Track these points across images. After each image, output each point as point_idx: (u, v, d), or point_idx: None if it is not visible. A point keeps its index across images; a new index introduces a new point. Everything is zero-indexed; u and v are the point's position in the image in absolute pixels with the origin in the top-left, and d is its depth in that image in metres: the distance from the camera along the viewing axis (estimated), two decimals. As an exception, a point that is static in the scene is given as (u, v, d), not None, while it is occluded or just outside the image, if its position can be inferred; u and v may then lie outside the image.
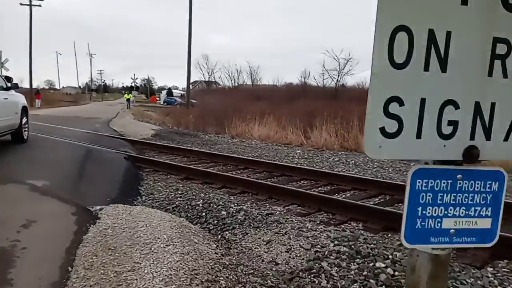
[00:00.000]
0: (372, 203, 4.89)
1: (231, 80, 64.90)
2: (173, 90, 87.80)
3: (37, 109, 31.23)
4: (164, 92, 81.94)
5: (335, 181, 5.94)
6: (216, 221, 4.13)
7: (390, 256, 3.22)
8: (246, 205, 4.48)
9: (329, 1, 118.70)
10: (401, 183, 6.14)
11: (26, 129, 8.84)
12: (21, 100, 9.02)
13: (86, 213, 3.89)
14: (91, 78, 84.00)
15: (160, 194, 5.15)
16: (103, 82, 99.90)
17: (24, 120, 8.64)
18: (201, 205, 4.56)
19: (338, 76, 52.60)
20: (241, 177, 5.78)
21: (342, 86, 53.73)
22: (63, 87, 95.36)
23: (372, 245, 3.42)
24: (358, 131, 13.05)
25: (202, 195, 4.92)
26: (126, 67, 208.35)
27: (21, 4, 34.51)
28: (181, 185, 5.68)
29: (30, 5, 34.56)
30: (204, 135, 15.75)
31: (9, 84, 8.69)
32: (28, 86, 37.50)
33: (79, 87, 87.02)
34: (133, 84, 60.81)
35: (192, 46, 27.77)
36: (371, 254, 3.25)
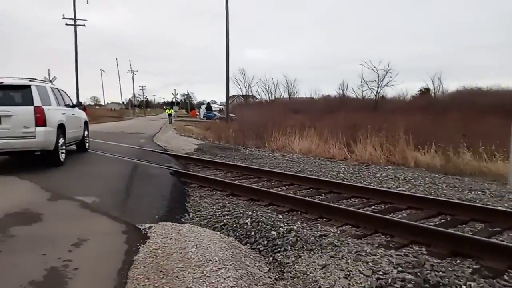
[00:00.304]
0: (432, 224, 4.54)
1: (268, 94, 65.02)
2: (212, 105, 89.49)
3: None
4: (203, 107, 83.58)
5: (389, 199, 5.60)
6: (266, 242, 3.95)
7: (464, 287, 2.90)
8: (297, 225, 4.27)
9: (365, 13, 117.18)
10: (461, 201, 5.71)
11: (87, 140, 10.81)
12: (83, 116, 10.87)
13: (135, 232, 3.84)
14: (133, 94, 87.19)
15: (207, 211, 5.05)
16: (145, 97, 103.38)
17: (86, 132, 10.59)
18: (249, 223, 4.40)
19: (378, 87, 51.41)
20: (288, 194, 5.58)
21: (382, 98, 52.49)
22: (107, 103, 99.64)
23: (440, 272, 3.11)
24: (405, 145, 12.53)
25: (250, 213, 4.76)
26: (166, 83, 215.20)
27: (66, 24, 36.52)
28: (227, 202, 5.56)
29: (75, 25, 36.48)
30: (245, 149, 15.71)
31: (74, 102, 10.46)
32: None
33: (123, 103, 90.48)
34: (174, 100, 62.36)
35: (230, 61, 28.10)
36: (441, 284, 2.94)
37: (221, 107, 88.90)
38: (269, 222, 4.35)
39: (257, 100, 67.23)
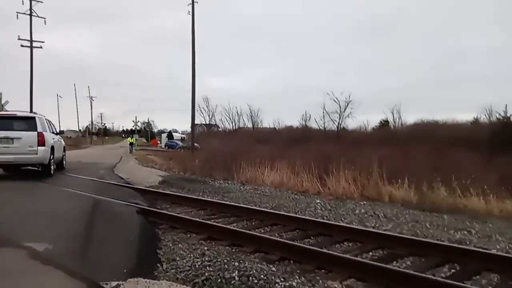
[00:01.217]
0: (444, 275, 4.03)
1: (232, 123, 64.81)
2: (173, 133, 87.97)
3: (37, 152, 30.55)
4: (164, 136, 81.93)
5: (385, 242, 5.09)
6: (261, 303, 3.27)
7: None
8: (295, 280, 3.62)
9: (329, 45, 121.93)
10: (466, 247, 5.25)
11: (65, 159, 14.98)
12: (63, 141, 15.13)
13: (99, 294, 3.05)
14: (91, 121, 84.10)
15: (184, 261, 4.29)
16: (103, 125, 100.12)
17: (64, 154, 14.86)
18: (237, 278, 3.71)
19: (339, 118, 52.61)
20: (277, 239, 4.91)
21: (343, 129, 53.64)
22: (63, 130, 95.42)
23: None
24: (379, 179, 12.31)
25: (235, 263, 4.06)
26: (126, 110, 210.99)
27: (22, 46, 34.70)
28: (206, 248, 4.82)
29: (31, 47, 34.74)
30: (213, 181, 14.93)
31: (58, 131, 14.19)
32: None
33: (79, 130, 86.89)
34: (134, 127, 60.69)
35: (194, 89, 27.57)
36: None
37: (182, 136, 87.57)
38: (261, 276, 3.68)
39: (220, 129, 66.74)
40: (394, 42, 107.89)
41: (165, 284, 3.38)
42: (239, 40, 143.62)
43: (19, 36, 34.70)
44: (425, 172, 12.67)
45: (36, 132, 10.89)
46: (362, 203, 10.66)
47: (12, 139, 10.80)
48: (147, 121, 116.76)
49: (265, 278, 3.64)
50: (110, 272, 3.54)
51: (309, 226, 5.93)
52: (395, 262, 4.52)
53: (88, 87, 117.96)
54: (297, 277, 3.79)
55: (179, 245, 4.98)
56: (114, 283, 3.26)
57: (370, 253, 4.87)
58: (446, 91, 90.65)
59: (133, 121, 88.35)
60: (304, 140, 39.00)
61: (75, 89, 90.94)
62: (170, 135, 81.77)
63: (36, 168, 11.65)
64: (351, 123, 68.10)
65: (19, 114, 11.99)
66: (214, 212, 7.19)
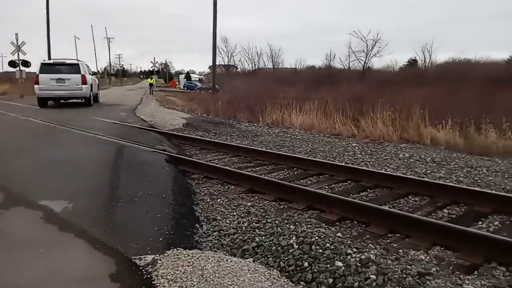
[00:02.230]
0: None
1: (251, 64, 62.62)
2: (190, 75, 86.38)
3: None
4: (182, 77, 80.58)
5: (459, 197, 4.28)
6: (331, 281, 2.58)
7: None
8: (372, 251, 2.88)
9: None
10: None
11: (99, 95, 19.43)
12: (97, 80, 19.39)
13: (131, 274, 2.39)
14: (109, 62, 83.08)
15: (227, 221, 3.61)
16: (121, 66, 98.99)
17: (98, 91, 19.27)
18: (296, 245, 3.01)
19: (366, 58, 49.96)
20: (333, 195, 4.13)
21: (368, 69, 51.22)
22: (97, 72, 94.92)
23: None
24: (420, 120, 11.30)
25: (290, 226, 3.35)
26: (143, 52, 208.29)
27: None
28: (249, 204, 4.12)
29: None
30: (238, 123, 14.21)
31: (93, 71, 19.15)
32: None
33: (98, 71, 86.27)
34: (153, 68, 59.58)
35: (211, 29, 25.92)
36: None
37: (200, 77, 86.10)
38: (327, 244, 2.96)
39: (238, 70, 64.79)
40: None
41: (211, 257, 2.70)
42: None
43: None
44: (469, 113, 11.59)
45: (80, 75, 15.47)
46: (402, 145, 9.85)
47: (64, 79, 15.28)
48: (164, 62, 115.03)
49: (332, 247, 2.92)
50: (143, 243, 2.88)
51: (362, 176, 5.14)
52: (480, 222, 3.74)
53: (105, 28, 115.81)
54: (371, 245, 3.05)
55: (218, 199, 4.30)
56: (149, 258, 2.60)
57: (446, 211, 4.08)
58: (477, 29, 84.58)
59: (151, 62, 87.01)
60: (329, 80, 37.33)
61: (92, 31, 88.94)
62: (188, 76, 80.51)
63: (80, 101, 16.39)
64: (377, 63, 65.08)
65: (67, 61, 16.41)
66: (249, 159, 6.46)
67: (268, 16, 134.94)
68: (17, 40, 24.23)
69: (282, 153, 6.75)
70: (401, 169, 6.90)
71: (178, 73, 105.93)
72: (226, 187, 4.80)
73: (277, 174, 5.57)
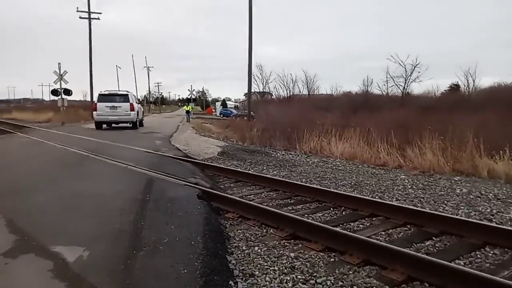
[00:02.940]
0: None
1: (286, 90, 62.51)
2: (226, 102, 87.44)
3: (97, 122, 30.96)
4: (218, 104, 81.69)
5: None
6: None
7: None
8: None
9: (389, 6, 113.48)
10: None
11: (143, 120, 22.51)
12: (141, 108, 23.11)
13: None
14: (149, 90, 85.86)
15: (267, 278, 2.99)
16: (160, 94, 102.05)
17: (142, 116, 22.39)
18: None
19: (405, 83, 48.57)
20: (392, 247, 3.39)
21: (408, 95, 49.70)
22: (142, 101, 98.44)
23: None
24: (475, 150, 10.29)
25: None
26: (181, 80, 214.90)
27: (80, 17, 34.97)
28: (292, 254, 3.48)
29: (89, 18, 34.87)
30: (274, 152, 13.66)
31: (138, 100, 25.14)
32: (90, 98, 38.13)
33: (138, 99, 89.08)
34: (190, 96, 60.75)
35: (247, 57, 25.87)
36: None
37: (236, 104, 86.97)
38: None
39: (273, 97, 64.79)
40: (455, 3, 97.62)
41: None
42: (292, 7, 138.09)
43: (77, 8, 35.07)
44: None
45: (129, 103, 19.25)
46: (456, 179, 8.93)
47: (116, 107, 19.00)
48: (201, 90, 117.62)
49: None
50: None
51: (423, 219, 4.37)
52: None
53: (145, 57, 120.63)
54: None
55: (255, 247, 3.68)
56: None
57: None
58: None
59: (188, 89, 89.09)
60: (367, 106, 36.34)
61: (133, 60, 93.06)
62: (224, 104, 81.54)
63: (128, 125, 19.80)
64: (416, 88, 63.12)
65: (119, 92, 20.70)
66: (289, 195, 5.82)
67: (303, 43, 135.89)
68: (59, 69, 25.24)
69: (326, 188, 6.06)
70: (461, 207, 6.07)
71: (215, 100, 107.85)
72: (265, 230, 4.17)
73: (322, 214, 4.88)
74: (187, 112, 36.50)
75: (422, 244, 3.86)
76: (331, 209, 5.11)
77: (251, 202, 4.86)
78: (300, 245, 3.74)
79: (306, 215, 4.73)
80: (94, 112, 19.52)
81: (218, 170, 7.69)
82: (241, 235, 4.02)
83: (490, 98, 33.77)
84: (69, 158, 8.81)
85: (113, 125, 20.06)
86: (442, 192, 7.32)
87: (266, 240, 3.87)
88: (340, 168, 10.08)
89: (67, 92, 25.90)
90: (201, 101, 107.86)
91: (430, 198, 6.73)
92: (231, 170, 7.60)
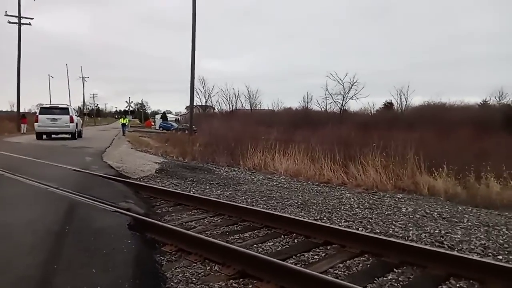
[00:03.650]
0: None
1: (229, 104, 62.31)
2: (167, 115, 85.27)
3: (22, 135, 28.31)
4: (158, 117, 79.36)
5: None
6: None
7: None
8: None
9: (325, 26, 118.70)
10: None
11: (82, 131, 24.68)
12: (80, 120, 25.58)
13: None
14: (83, 101, 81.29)
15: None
16: (96, 106, 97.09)
17: (81, 128, 24.65)
18: None
19: (343, 100, 50.42)
20: (349, 285, 2.96)
21: (345, 111, 51.61)
22: (78, 113, 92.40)
23: None
24: (415, 167, 10.49)
25: None
26: (120, 91, 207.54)
27: (9, 22, 32.21)
28: (241, 300, 2.91)
29: (19, 23, 32.23)
30: (217, 168, 13.06)
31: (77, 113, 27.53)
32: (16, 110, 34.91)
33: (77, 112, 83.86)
34: (128, 108, 58.32)
35: (189, 70, 25.27)
36: None
37: (176, 117, 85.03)
38: None
39: (216, 110, 64.26)
40: (392, 24, 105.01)
41: None
42: (236, 22, 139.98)
43: (6, 11, 32.19)
44: (464, 159, 10.90)
45: (69, 116, 21.13)
46: (399, 196, 8.97)
47: (57, 119, 20.70)
48: (140, 102, 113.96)
49: None
50: None
51: (380, 247, 4.02)
52: None
53: (81, 67, 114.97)
54: None
55: (197, 291, 3.06)
56: None
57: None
58: (450, 73, 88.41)
59: (126, 101, 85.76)
60: (307, 122, 37.01)
61: (67, 70, 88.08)
62: (164, 117, 79.50)
63: (67, 136, 21.48)
64: (353, 105, 65.87)
65: (60, 106, 22.32)
66: (235, 220, 5.24)
67: (246, 59, 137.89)
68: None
69: (275, 212, 5.55)
70: (410, 228, 5.95)
71: (154, 113, 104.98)
72: (208, 268, 3.55)
73: (273, 244, 4.36)
74: (123, 125, 34.64)
75: (385, 278, 3.48)
76: (282, 236, 4.61)
77: (192, 233, 4.20)
78: (250, 286, 3.18)
79: (255, 246, 4.19)
80: (36, 124, 21.08)
81: (155, 191, 6.91)
82: (180, 275, 3.37)
83: (421, 115, 35.99)
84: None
85: (52, 136, 21.59)
86: (389, 212, 7.21)
87: (210, 281, 3.26)
88: (285, 186, 9.72)
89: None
90: (140, 114, 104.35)
91: (378, 219, 6.55)
92: (169, 191, 6.86)
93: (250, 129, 21.36)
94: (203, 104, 65.30)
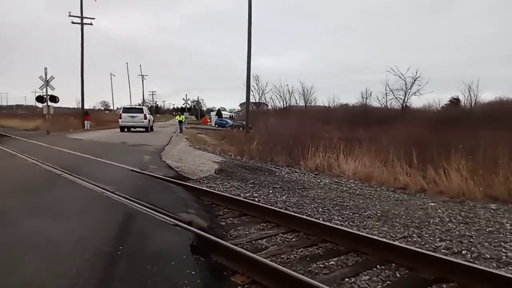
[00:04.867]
0: None
1: (283, 101, 61.24)
2: (221, 112, 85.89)
3: (86, 131, 29.38)
4: (213, 114, 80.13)
5: None
6: None
7: None
8: None
9: (381, 20, 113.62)
10: None
11: (153, 126, 32.61)
12: (151, 117, 33.58)
13: None
14: (143, 99, 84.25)
15: None
16: (155, 103, 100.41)
17: (153, 123, 32.65)
18: None
19: (405, 96, 47.51)
20: None
21: (407, 108, 48.64)
22: (117, 108, 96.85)
23: None
24: (510, 173, 8.98)
25: None
26: (177, 89, 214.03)
27: (72, 22, 33.60)
28: None
29: (82, 23, 33.52)
30: (277, 168, 12.28)
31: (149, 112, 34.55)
32: (81, 107, 36.54)
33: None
34: (184, 106, 59.27)
35: (243, 68, 24.78)
36: None
37: (231, 114, 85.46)
38: None
39: (269, 107, 63.54)
40: (453, 18, 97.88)
41: None
42: (290, 19, 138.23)
43: (70, 12, 33.72)
44: None
45: (143, 114, 27.99)
46: (493, 206, 7.63)
47: (134, 116, 27.23)
48: (196, 99, 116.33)
49: None
50: None
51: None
52: None
53: (140, 65, 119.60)
54: None
55: None
56: None
57: None
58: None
59: (183, 99, 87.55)
60: (366, 119, 35.12)
61: (127, 68, 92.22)
62: (219, 114, 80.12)
63: (143, 130, 27.54)
64: (415, 101, 62.04)
65: (137, 106, 33.19)
66: (314, 240, 4.35)
67: (298, 55, 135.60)
68: (45, 75, 23.62)
69: (362, 233, 4.52)
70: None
71: (209, 110, 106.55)
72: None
73: (369, 278, 3.42)
74: (180, 122, 34.95)
75: None
76: (378, 266, 3.66)
77: (268, 262, 3.36)
78: None
79: (348, 280, 3.29)
80: (120, 120, 28.19)
81: (218, 198, 6.19)
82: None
83: (494, 112, 32.69)
84: (35, 179, 7.26)
85: (132, 129, 27.91)
86: (491, 228, 6.01)
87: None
88: (357, 192, 8.68)
89: (53, 99, 24.18)
90: (196, 111, 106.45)
91: (480, 238, 5.41)
92: (233, 199, 6.09)
93: (308, 126, 20.33)
94: (257, 101, 64.94)
